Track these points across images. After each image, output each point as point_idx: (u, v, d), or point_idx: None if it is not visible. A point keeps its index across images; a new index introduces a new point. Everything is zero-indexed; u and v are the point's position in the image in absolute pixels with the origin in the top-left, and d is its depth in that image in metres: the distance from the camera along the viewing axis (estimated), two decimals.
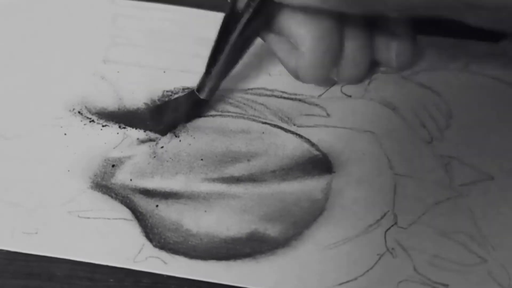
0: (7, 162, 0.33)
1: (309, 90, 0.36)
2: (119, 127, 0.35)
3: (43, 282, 0.29)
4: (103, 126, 0.35)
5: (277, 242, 0.31)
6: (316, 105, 0.36)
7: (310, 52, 0.33)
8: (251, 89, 0.36)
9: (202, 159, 0.33)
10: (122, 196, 0.32)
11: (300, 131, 0.35)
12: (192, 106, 0.35)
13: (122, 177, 0.33)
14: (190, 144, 0.34)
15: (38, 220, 0.31)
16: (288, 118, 0.35)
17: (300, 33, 0.32)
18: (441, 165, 0.33)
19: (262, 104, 0.36)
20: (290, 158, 0.33)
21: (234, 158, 0.33)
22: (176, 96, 0.36)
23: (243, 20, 0.32)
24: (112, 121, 0.35)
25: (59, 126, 0.34)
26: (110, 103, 0.36)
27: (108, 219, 0.31)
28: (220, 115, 0.35)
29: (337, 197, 0.32)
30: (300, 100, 0.36)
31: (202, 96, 0.34)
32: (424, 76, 0.37)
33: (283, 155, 0.34)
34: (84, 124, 0.35)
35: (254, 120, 0.35)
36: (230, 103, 0.36)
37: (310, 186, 0.32)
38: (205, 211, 0.31)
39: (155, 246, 0.30)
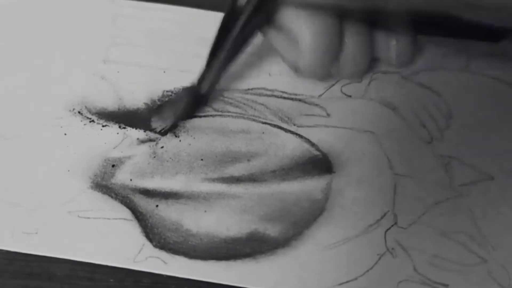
0: (7, 162, 0.33)
1: (309, 90, 0.36)
2: (119, 127, 0.34)
3: (43, 282, 0.29)
4: (103, 126, 0.34)
5: (277, 242, 0.31)
6: (316, 105, 0.36)
7: (310, 48, 0.33)
8: (251, 89, 0.36)
9: (202, 159, 0.33)
10: (122, 196, 0.32)
11: (300, 131, 0.35)
12: (192, 101, 0.35)
13: (122, 177, 0.33)
14: (190, 144, 0.34)
15: (38, 220, 0.31)
16: (288, 118, 0.35)
17: (301, 29, 0.32)
18: (441, 165, 0.33)
19: (262, 104, 0.36)
20: (290, 158, 0.33)
21: (234, 158, 0.33)
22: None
23: (244, 16, 0.32)
24: (112, 121, 0.35)
25: (59, 126, 0.34)
26: (110, 103, 0.36)
27: (108, 219, 0.31)
28: (220, 115, 0.35)
29: (337, 197, 0.32)
30: (300, 100, 0.36)
31: (202, 90, 0.34)
32: (424, 76, 0.37)
33: (283, 155, 0.34)
34: (84, 124, 0.35)
35: (254, 120, 0.35)
36: (230, 103, 0.36)
37: (310, 186, 0.32)
38: (205, 211, 0.31)
39: (155, 246, 0.30)
